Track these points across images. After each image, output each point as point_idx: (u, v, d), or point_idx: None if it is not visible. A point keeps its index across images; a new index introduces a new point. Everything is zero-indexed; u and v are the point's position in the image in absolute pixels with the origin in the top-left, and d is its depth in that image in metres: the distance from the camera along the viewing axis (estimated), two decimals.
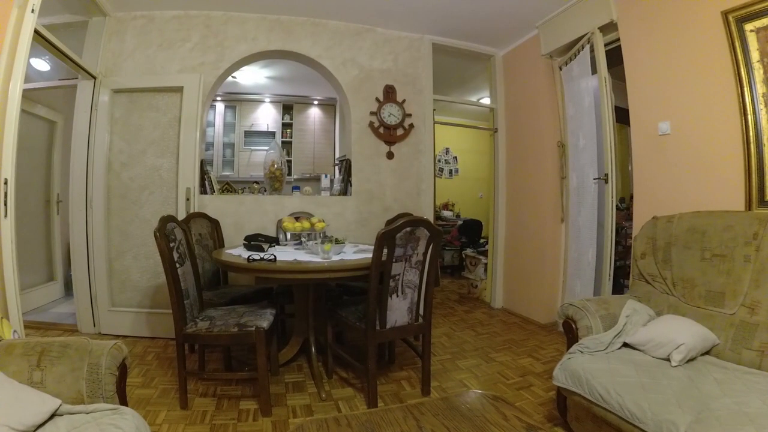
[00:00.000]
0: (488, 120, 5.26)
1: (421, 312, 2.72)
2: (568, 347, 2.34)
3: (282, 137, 7.75)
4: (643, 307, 2.49)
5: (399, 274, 2.48)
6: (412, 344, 3.06)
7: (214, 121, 7.43)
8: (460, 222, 7.20)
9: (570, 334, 2.43)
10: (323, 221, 3.24)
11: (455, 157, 8.30)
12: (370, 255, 2.72)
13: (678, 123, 3.05)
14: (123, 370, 1.73)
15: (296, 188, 4.42)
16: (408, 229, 2.41)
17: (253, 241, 3.18)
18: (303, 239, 3.22)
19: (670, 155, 3.14)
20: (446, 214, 7.81)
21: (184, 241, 2.53)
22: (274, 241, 3.29)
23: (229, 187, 4.62)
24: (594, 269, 3.76)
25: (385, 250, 2.38)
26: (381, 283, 2.43)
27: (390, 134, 4.39)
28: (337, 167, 5.06)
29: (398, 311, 2.55)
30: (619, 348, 2.23)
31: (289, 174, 7.70)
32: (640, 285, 2.79)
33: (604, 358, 2.11)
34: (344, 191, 4.41)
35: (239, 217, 3.96)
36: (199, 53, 3.91)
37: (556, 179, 4.31)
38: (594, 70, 3.76)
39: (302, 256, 2.75)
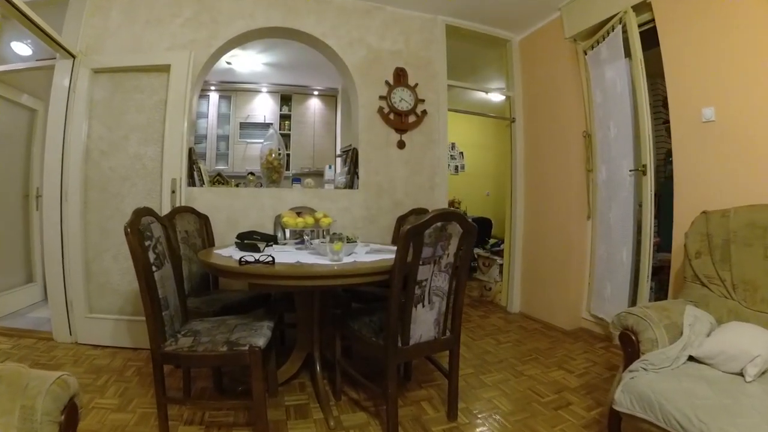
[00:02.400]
0: (501, 112, 4.81)
1: (449, 324, 2.25)
2: (626, 364, 1.93)
3: (280, 129, 7.29)
4: (703, 313, 2.12)
5: (426, 279, 2.01)
6: (434, 359, 2.59)
7: (207, 112, 6.98)
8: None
9: (630, 347, 1.98)
10: (329, 216, 2.77)
11: (461, 153, 7.83)
12: (386, 256, 2.28)
13: (724, 109, 2.72)
14: (72, 414, 1.26)
15: (297, 180, 3.95)
16: (439, 224, 1.94)
17: (247, 240, 2.71)
18: (306, 237, 2.75)
19: (715, 144, 2.79)
20: None
21: (164, 239, 2.05)
22: (271, 240, 2.82)
23: (221, 178, 4.14)
24: (629, 270, 3.31)
25: (411, 250, 1.91)
26: (404, 290, 1.96)
27: (401, 121, 3.93)
28: (341, 158, 4.57)
29: (424, 324, 2.07)
30: (684, 363, 1.85)
31: (287, 169, 7.24)
32: (694, 288, 2.40)
33: (672, 376, 1.73)
34: (350, 184, 3.94)
35: (233, 212, 3.48)
36: (190, 30, 3.43)
37: (582, 172, 3.86)
38: (627, 53, 3.32)
39: (305, 258, 2.28)
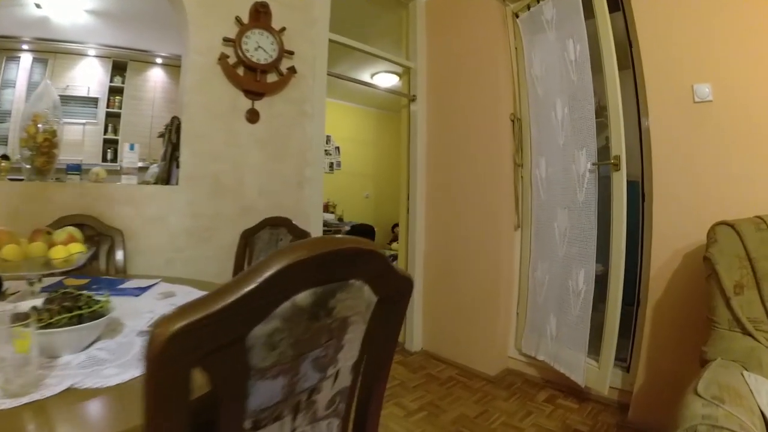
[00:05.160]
0: (390, 103, 3.65)
1: None
2: None
3: (108, 106, 5.50)
4: (763, 381, 1.28)
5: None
6: None
7: (15, 80, 4.89)
8: (346, 228, 5.48)
9: None
10: (81, 240, 1.27)
11: (337, 148, 6.57)
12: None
13: (723, 86, 2.03)
14: None
15: (73, 168, 2.30)
16: (341, 276, 0.58)
17: None
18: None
19: (713, 129, 2.04)
20: (327, 217, 6.04)
21: None
22: None
23: None
24: (588, 300, 2.31)
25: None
26: None
27: (256, 80, 2.50)
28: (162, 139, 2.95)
29: None
30: None
31: (114, 160, 5.42)
32: (734, 339, 1.56)
33: None
34: (167, 177, 2.40)
35: None
36: None
37: (509, 168, 2.83)
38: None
39: None
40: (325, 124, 2.79)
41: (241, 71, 2.49)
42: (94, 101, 5.54)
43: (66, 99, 5.18)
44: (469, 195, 3.00)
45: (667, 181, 2.17)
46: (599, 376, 2.29)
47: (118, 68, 5.62)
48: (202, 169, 2.38)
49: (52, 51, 5.22)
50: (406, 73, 3.49)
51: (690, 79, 2.10)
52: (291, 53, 2.62)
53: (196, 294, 1.27)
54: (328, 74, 2.85)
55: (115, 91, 5.60)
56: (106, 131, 5.61)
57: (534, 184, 2.69)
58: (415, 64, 3.39)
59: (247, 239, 2.27)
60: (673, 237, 2.13)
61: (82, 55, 5.41)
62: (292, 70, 2.63)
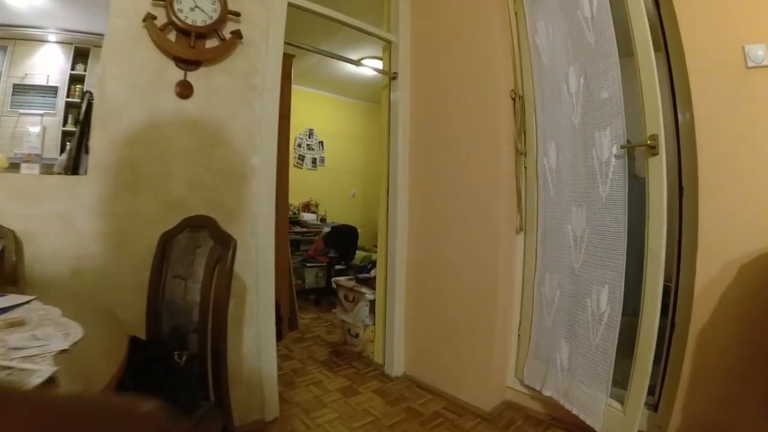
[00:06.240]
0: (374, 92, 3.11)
1: None
2: None
3: (68, 95, 4.90)
4: None
5: None
6: None
7: None
8: (327, 229, 4.93)
9: None
10: None
11: (321, 143, 6.01)
12: None
13: None
14: None
15: None
16: None
17: None
18: None
19: None
20: (308, 217, 5.49)
21: None
22: None
23: None
24: (612, 325, 1.77)
25: None
26: None
27: (190, 46, 1.96)
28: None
29: None
30: None
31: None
32: None
33: None
34: (73, 165, 1.87)
35: None
36: None
37: (509, 157, 2.30)
38: None
39: None
40: (278, 101, 2.23)
41: (173, 36, 1.95)
42: (53, 90, 5.01)
43: (24, 89, 4.63)
44: (460, 190, 2.46)
45: (716, 169, 1.65)
46: (624, 424, 1.75)
47: (81, 55, 5.08)
48: (117, 156, 1.83)
49: (10, 37, 4.70)
50: (386, 49, 2.94)
51: (740, 38, 1.61)
52: (237, 14, 2.06)
53: (52, 334, 0.91)
54: (286, 43, 2.30)
55: (76, 80, 5.06)
56: (65, 122, 5.07)
57: (541, 176, 2.15)
58: (397, 37, 2.84)
59: (165, 245, 1.73)
60: (725, 242, 1.62)
61: (42, 41, 4.88)
62: (237, 35, 2.07)
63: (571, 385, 1.95)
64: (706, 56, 1.67)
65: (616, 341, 1.73)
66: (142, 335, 1.72)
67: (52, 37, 4.89)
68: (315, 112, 5.90)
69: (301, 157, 5.79)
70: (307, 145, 5.85)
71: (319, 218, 5.66)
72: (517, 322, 2.31)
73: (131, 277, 1.82)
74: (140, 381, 1.42)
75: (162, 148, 1.91)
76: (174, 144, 1.94)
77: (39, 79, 4.84)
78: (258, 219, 2.10)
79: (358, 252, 5.00)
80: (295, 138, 5.68)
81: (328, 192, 5.94)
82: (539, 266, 2.15)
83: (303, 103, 5.68)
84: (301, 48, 2.51)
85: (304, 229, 5.16)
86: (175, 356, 1.46)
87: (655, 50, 1.72)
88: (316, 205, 5.74)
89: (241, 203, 2.08)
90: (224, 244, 1.47)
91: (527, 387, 2.25)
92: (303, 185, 5.66)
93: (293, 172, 5.63)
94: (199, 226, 1.62)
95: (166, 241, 1.75)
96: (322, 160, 6.00)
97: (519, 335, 2.30)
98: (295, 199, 5.58)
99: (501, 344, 2.30)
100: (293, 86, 5.59)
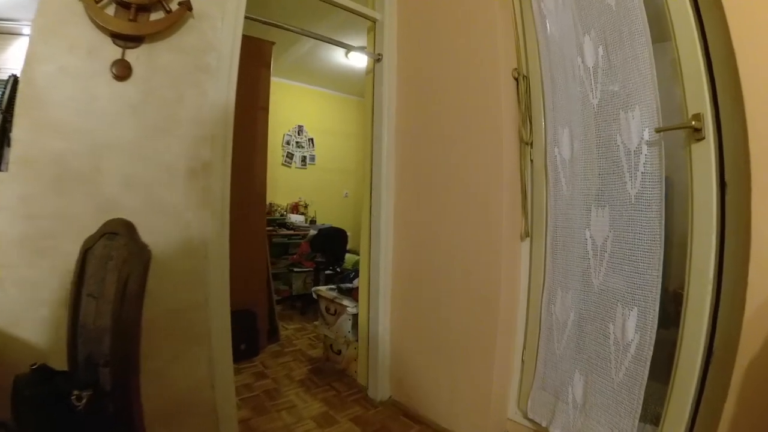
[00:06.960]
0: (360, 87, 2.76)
1: None
2: None
3: None
4: None
5: None
6: None
7: None
8: (313, 232, 4.56)
9: None
10: None
11: (311, 140, 5.65)
12: None
13: None
14: None
15: None
16: None
17: None
18: None
19: None
20: (295, 219, 5.12)
21: None
22: None
23: None
24: (643, 358, 1.40)
25: None
26: None
27: (131, 18, 1.60)
28: None
29: None
30: None
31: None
32: None
33: None
34: None
35: None
36: None
37: (512, 148, 1.93)
38: None
39: None
40: (236, 84, 1.86)
41: (111, 10, 1.59)
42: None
43: None
44: (454, 189, 2.09)
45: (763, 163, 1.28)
46: None
47: None
48: (42, 148, 1.47)
49: None
50: (371, 30, 2.58)
51: None
52: None
53: None
54: (247, 18, 1.94)
55: None
56: None
57: (551, 170, 1.78)
58: (383, 14, 2.48)
59: (86, 254, 1.37)
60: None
61: (16, 34, 4.61)
62: (186, 6, 1.71)
63: (587, 424, 1.59)
64: (748, 25, 1.29)
65: (646, 379, 1.36)
66: (63, 362, 1.38)
67: (26, 30, 4.61)
68: (305, 108, 5.55)
69: (290, 155, 5.42)
70: (296, 142, 5.48)
71: (308, 220, 5.30)
72: (520, 346, 1.94)
73: (55, 291, 1.47)
74: (29, 425, 1.08)
75: (94, 140, 1.55)
76: (108, 135, 1.57)
77: (10, 72, 4.55)
78: (208, 223, 1.74)
79: (348, 256, 4.64)
80: (283, 135, 5.31)
81: (319, 192, 5.58)
82: (548, 281, 1.78)
83: (292, 99, 5.33)
84: (266, 23, 2.13)
85: (292, 232, 4.79)
86: (73, 397, 1.10)
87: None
88: (306, 206, 5.38)
89: (186, 204, 1.71)
90: (136, 256, 1.10)
91: (531, 421, 1.89)
92: (291, 185, 5.30)
93: (281, 171, 5.28)
94: (114, 232, 1.26)
95: (87, 250, 1.40)
96: (313, 158, 5.63)
97: (523, 361, 1.93)
98: (282, 200, 5.22)
99: (502, 369, 1.93)
100: (281, 80, 5.27)
